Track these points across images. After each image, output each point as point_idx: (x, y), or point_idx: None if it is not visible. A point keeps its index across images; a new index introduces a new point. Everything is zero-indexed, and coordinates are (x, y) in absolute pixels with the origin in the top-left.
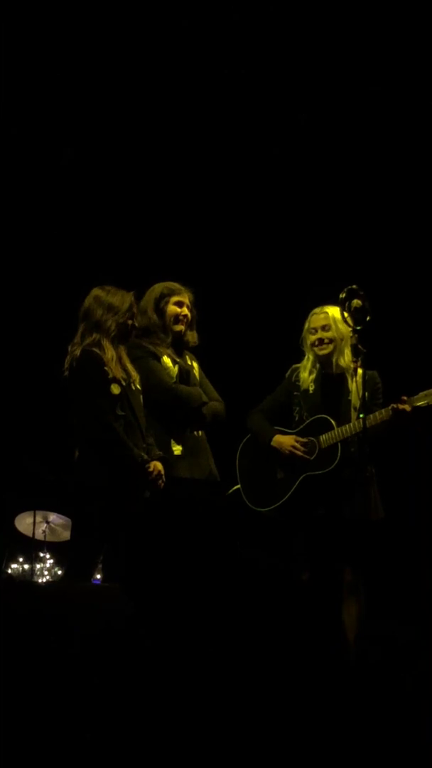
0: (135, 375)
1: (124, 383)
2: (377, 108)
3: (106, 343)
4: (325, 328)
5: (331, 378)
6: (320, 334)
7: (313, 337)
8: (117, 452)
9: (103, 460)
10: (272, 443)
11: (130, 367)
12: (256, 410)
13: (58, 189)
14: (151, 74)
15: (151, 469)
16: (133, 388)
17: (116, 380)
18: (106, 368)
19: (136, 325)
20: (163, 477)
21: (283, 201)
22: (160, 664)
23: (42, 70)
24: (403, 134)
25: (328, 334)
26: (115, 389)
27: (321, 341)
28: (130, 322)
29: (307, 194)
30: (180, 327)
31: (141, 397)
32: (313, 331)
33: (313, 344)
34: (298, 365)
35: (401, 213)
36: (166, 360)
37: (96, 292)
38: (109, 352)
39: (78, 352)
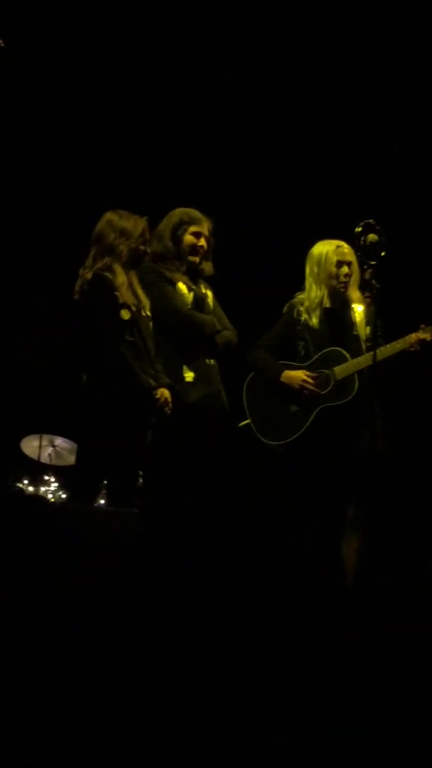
0: (145, 301)
1: (134, 309)
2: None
3: (117, 268)
4: (350, 264)
5: (333, 312)
6: (347, 270)
7: (341, 271)
8: (124, 377)
9: (110, 385)
10: (282, 379)
11: (140, 293)
12: (257, 346)
13: (71, 114)
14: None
15: (158, 396)
16: (143, 314)
17: (126, 305)
18: (116, 293)
19: (148, 251)
20: (170, 404)
21: (295, 132)
22: (169, 589)
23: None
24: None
25: (352, 269)
26: (125, 314)
27: (348, 276)
28: (142, 247)
29: (319, 129)
30: (195, 258)
31: (151, 323)
32: (340, 264)
33: (338, 278)
34: (294, 300)
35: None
36: (181, 286)
37: (109, 215)
38: (120, 277)
39: (89, 275)
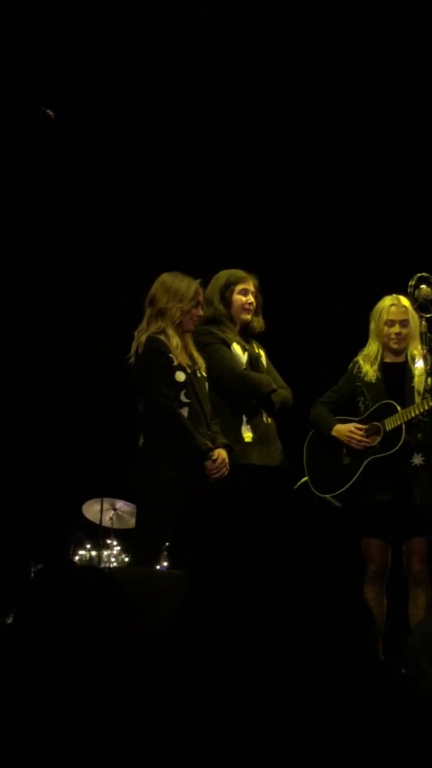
0: (201, 362)
1: (189, 370)
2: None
3: (170, 331)
4: (403, 323)
5: (393, 366)
6: (399, 329)
7: (391, 330)
8: (181, 439)
9: (167, 448)
10: (332, 433)
11: (196, 354)
12: (318, 402)
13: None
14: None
15: (215, 457)
16: (199, 375)
17: (181, 367)
18: (171, 355)
19: (202, 313)
20: (227, 465)
21: (350, 186)
22: (213, 655)
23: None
24: None
25: (406, 330)
26: (180, 376)
27: (399, 335)
28: (195, 310)
29: (374, 182)
30: (247, 316)
31: (207, 384)
32: (390, 323)
33: (389, 337)
34: (357, 357)
35: None
36: (236, 347)
37: (163, 277)
38: (174, 340)
39: (143, 338)
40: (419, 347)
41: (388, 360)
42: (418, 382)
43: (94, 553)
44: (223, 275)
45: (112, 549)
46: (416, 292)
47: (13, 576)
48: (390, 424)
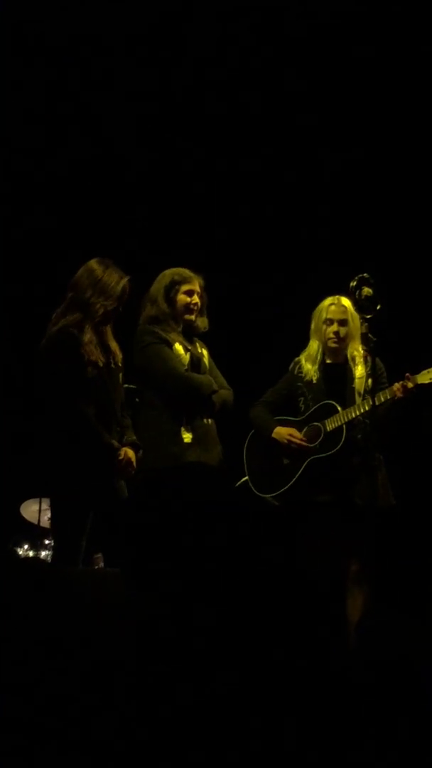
0: (118, 354)
1: (101, 364)
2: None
3: (87, 327)
4: (342, 322)
5: (334, 367)
6: (337, 328)
7: (329, 329)
8: (86, 438)
9: (72, 446)
10: (273, 435)
11: (113, 345)
12: (258, 403)
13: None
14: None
15: (120, 456)
16: (113, 366)
17: (92, 362)
18: (82, 350)
19: (120, 310)
20: (134, 464)
21: (291, 187)
22: (158, 649)
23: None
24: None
25: (345, 329)
26: (90, 372)
27: (337, 335)
28: (116, 308)
29: (313, 180)
30: (190, 317)
31: (121, 375)
32: (329, 322)
33: (327, 336)
34: (298, 357)
35: (404, 198)
36: (178, 347)
37: (92, 264)
38: (87, 336)
39: (54, 330)
40: (360, 348)
41: (329, 361)
42: (359, 383)
43: (31, 553)
44: (169, 274)
45: (49, 549)
46: (357, 293)
47: None
48: (331, 424)
